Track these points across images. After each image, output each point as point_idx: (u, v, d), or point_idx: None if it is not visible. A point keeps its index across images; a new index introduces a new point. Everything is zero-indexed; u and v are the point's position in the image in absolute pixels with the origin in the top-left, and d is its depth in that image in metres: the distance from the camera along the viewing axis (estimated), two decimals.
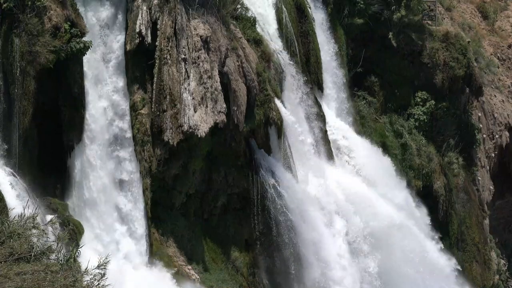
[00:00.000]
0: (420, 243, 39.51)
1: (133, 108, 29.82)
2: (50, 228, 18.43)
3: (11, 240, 14.41)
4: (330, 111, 39.42)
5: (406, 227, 38.67)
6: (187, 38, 30.21)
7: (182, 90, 29.77)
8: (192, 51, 30.23)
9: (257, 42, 34.20)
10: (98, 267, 13.96)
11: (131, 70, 29.84)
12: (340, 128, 39.47)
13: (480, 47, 50.48)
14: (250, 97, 31.75)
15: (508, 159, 51.12)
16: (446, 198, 43.19)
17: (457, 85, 44.34)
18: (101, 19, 29.32)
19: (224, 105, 30.50)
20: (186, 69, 30.03)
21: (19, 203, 23.12)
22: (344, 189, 36.81)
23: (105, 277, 14.00)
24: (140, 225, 29.53)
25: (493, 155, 49.16)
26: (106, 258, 14.07)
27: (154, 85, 29.71)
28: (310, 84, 37.73)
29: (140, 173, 29.65)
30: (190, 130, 29.51)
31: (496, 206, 50.81)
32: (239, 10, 33.88)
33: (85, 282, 14.00)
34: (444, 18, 48.67)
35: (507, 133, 50.25)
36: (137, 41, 29.41)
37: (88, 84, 28.18)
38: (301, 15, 38.45)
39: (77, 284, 13.77)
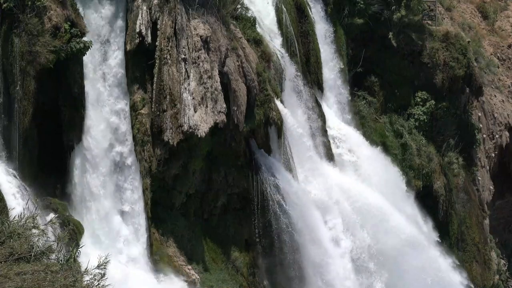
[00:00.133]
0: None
1: (133, 108, 29.82)
2: (50, 228, 18.42)
3: (11, 240, 14.40)
4: (330, 110, 39.45)
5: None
6: (187, 38, 30.21)
7: (182, 90, 29.77)
8: (192, 51, 30.23)
9: (257, 42, 34.21)
10: (98, 267, 13.96)
11: (131, 70, 29.84)
12: (340, 128, 39.48)
13: (480, 47, 50.48)
14: (250, 97, 31.76)
15: (508, 159, 51.12)
16: (446, 198, 43.19)
17: (457, 85, 44.34)
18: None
19: (224, 105, 30.51)
20: (186, 69, 30.03)
21: (19, 203, 23.13)
22: (343, 189, 36.80)
23: (105, 277, 14.00)
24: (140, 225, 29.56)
25: (493, 155, 49.16)
26: (106, 258, 14.06)
27: (154, 85, 29.71)
28: (310, 84, 37.73)
29: (140, 173, 29.65)
30: (190, 130, 29.52)
31: (496, 206, 50.81)
32: (239, 10, 33.89)
33: (85, 282, 14.00)
34: (444, 18, 48.67)
35: (507, 133, 50.25)
36: (137, 41, 29.41)
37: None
38: (301, 15, 38.45)
39: (77, 284, 13.76)
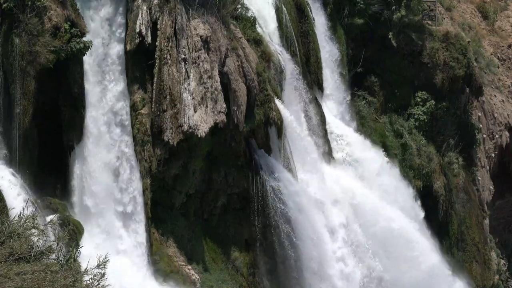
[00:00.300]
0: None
1: (133, 108, 29.82)
2: (50, 228, 18.43)
3: (11, 240, 14.41)
4: (330, 110, 39.45)
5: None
6: (187, 38, 30.21)
7: (182, 90, 29.77)
8: (192, 51, 30.24)
9: (257, 42, 34.21)
10: (98, 266, 13.96)
11: (131, 70, 29.84)
12: (340, 128, 39.47)
13: (480, 47, 50.49)
14: (250, 97, 31.76)
15: (508, 159, 51.12)
16: (446, 198, 43.18)
17: (457, 85, 44.34)
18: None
19: (224, 105, 30.51)
20: (186, 69, 30.03)
21: (19, 203, 23.12)
22: (343, 189, 36.81)
23: (105, 277, 14.00)
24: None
25: (493, 155, 49.17)
26: (106, 258, 14.06)
27: (154, 85, 29.71)
28: (310, 84, 37.74)
29: (140, 173, 29.65)
30: (190, 130, 29.52)
31: (496, 206, 50.81)
32: (239, 10, 33.89)
33: (85, 282, 14.00)
34: (444, 18, 48.68)
35: (507, 133, 50.26)
36: (137, 41, 29.41)
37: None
38: (301, 15, 38.46)
39: (77, 284, 13.77)
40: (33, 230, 14.84)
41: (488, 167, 48.36)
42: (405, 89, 43.67)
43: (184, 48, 30.04)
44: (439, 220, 42.57)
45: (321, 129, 37.13)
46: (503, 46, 53.77)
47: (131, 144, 29.70)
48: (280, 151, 33.83)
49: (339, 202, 36.03)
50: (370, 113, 42.32)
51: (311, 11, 39.20)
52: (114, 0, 29.44)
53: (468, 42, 45.70)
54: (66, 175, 27.73)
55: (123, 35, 29.50)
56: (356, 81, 42.55)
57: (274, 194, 32.66)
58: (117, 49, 29.34)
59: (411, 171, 41.93)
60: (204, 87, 30.18)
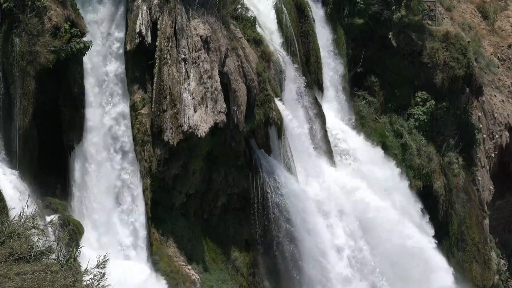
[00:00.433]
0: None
1: (133, 108, 29.82)
2: (50, 228, 18.43)
3: (11, 240, 14.41)
4: (330, 110, 39.44)
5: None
6: (187, 38, 30.21)
7: (182, 90, 29.77)
8: (192, 51, 30.24)
9: (257, 42, 34.21)
10: (98, 266, 13.96)
11: (131, 70, 29.84)
12: (340, 128, 39.47)
13: (480, 47, 50.48)
14: (250, 97, 31.76)
15: (508, 159, 51.11)
16: (446, 198, 43.18)
17: (457, 85, 44.33)
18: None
19: (224, 105, 30.51)
20: (186, 69, 30.04)
21: (19, 203, 23.11)
22: (343, 189, 36.80)
23: (105, 277, 14.00)
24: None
25: (493, 155, 49.16)
26: (105, 257, 14.06)
27: (154, 85, 29.71)
28: (310, 84, 37.74)
29: (140, 173, 29.65)
30: (190, 130, 29.52)
31: (496, 206, 50.80)
32: (239, 10, 33.89)
33: (85, 282, 14.00)
34: (444, 18, 48.67)
35: (507, 133, 50.25)
36: (137, 41, 29.41)
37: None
38: (301, 15, 38.45)
39: (77, 284, 13.76)
40: (33, 230, 14.83)
41: (488, 167, 48.35)
42: (405, 89, 43.67)
43: (184, 48, 30.04)
44: (439, 220, 42.56)
45: (321, 129, 37.12)
46: (503, 46, 53.76)
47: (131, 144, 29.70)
48: (280, 151, 33.83)
49: (339, 201, 35.98)
50: (370, 113, 42.31)
51: (311, 11, 39.20)
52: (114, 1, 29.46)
53: (468, 42, 45.70)
54: (66, 175, 27.72)
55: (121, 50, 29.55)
56: (356, 81, 42.54)
57: (274, 194, 32.66)
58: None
59: (411, 171, 41.93)
60: (204, 87, 30.18)
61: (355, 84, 42.51)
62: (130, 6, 29.67)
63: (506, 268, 49.79)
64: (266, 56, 34.36)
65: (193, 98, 29.83)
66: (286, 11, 36.97)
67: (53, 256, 14.71)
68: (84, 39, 27.00)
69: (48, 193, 26.78)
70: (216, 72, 30.61)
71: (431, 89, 43.60)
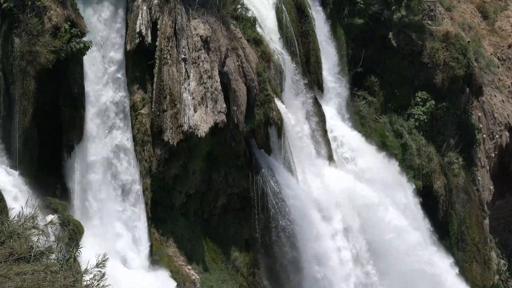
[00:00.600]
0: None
1: (133, 108, 29.82)
2: (50, 228, 18.43)
3: (11, 240, 14.40)
4: (330, 110, 39.43)
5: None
6: (187, 38, 30.22)
7: (182, 90, 29.78)
8: (192, 51, 30.24)
9: (257, 42, 34.21)
10: (97, 265, 13.96)
11: (131, 70, 29.84)
12: (340, 128, 39.47)
13: (480, 47, 50.47)
14: (250, 97, 31.76)
15: (508, 159, 51.10)
16: (446, 198, 43.17)
17: (457, 85, 44.32)
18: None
19: (224, 105, 30.51)
20: (186, 69, 30.04)
21: (19, 203, 23.11)
22: (343, 189, 36.79)
23: (105, 277, 14.00)
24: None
25: (493, 155, 49.15)
26: (104, 256, 14.06)
27: (154, 85, 29.71)
28: (310, 84, 37.73)
29: (140, 173, 29.65)
30: (190, 130, 29.52)
31: (496, 206, 50.80)
32: (239, 10, 33.89)
33: (85, 282, 14.00)
34: (444, 18, 48.66)
35: (507, 133, 50.24)
36: (137, 41, 29.41)
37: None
38: (301, 15, 38.45)
39: (77, 284, 13.77)
40: (33, 230, 14.83)
41: (488, 167, 48.34)
42: (405, 89, 43.66)
43: (184, 48, 30.04)
44: (439, 220, 42.56)
45: (321, 129, 37.12)
46: (503, 46, 53.75)
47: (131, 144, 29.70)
48: (280, 151, 33.83)
49: (339, 201, 35.97)
50: (370, 113, 42.32)
51: (311, 11, 39.19)
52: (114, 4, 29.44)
53: (468, 42, 45.69)
54: (66, 175, 27.71)
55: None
56: (356, 81, 42.54)
57: (274, 194, 32.66)
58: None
59: (411, 171, 41.93)
60: (204, 87, 30.18)
61: (355, 84, 42.50)
62: (130, 6, 29.66)
63: (506, 268, 49.78)
64: (266, 56, 34.36)
65: (193, 98, 29.83)
66: (286, 11, 36.96)
67: (53, 256, 14.71)
68: (84, 39, 26.98)
69: (48, 193, 26.77)
70: (216, 72, 30.61)
71: (431, 89, 43.60)
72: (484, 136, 47.95)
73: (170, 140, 29.53)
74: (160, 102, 29.66)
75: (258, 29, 35.07)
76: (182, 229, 31.26)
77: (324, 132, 37.38)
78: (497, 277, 47.23)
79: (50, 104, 26.98)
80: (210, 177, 32.15)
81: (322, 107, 37.91)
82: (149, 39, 29.53)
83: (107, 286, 14.07)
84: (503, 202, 51.69)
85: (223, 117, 30.40)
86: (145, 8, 29.64)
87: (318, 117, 37.09)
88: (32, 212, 15.32)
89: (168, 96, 29.62)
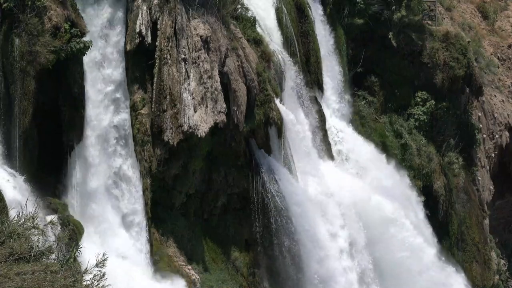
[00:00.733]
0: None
1: (133, 108, 29.82)
2: (50, 228, 18.44)
3: (11, 240, 14.41)
4: (330, 110, 39.44)
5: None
6: (187, 38, 30.22)
7: (182, 90, 29.77)
8: (192, 51, 30.24)
9: (257, 42, 34.21)
10: (97, 265, 13.96)
11: (131, 70, 29.83)
12: (340, 128, 39.46)
13: (480, 47, 50.48)
14: (250, 97, 31.76)
15: (508, 159, 51.11)
16: (446, 198, 43.18)
17: (457, 85, 44.34)
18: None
19: (224, 105, 30.51)
20: (186, 69, 30.04)
21: (19, 203, 23.10)
22: (343, 189, 36.79)
23: (105, 277, 14.00)
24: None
25: (493, 155, 49.16)
26: (104, 256, 14.06)
27: (154, 85, 29.71)
28: (310, 84, 37.74)
29: (140, 173, 29.64)
30: (190, 130, 29.52)
31: (496, 206, 50.80)
32: (239, 10, 33.89)
33: (85, 282, 14.00)
34: (444, 18, 48.67)
35: (507, 133, 50.25)
36: (137, 41, 29.41)
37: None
38: (301, 15, 38.45)
39: (77, 284, 13.77)
40: (33, 230, 14.83)
41: (488, 167, 48.35)
42: (405, 89, 43.67)
43: (184, 48, 30.04)
44: (439, 220, 42.57)
45: (320, 129, 37.12)
46: (503, 46, 53.76)
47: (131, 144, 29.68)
48: (280, 151, 33.82)
49: (339, 201, 35.97)
50: (370, 113, 42.32)
51: (311, 11, 39.20)
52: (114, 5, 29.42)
53: (468, 42, 45.70)
54: (66, 175, 27.70)
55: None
56: (356, 81, 42.55)
57: (274, 193, 32.65)
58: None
59: (411, 171, 41.94)
60: (204, 87, 30.18)
61: (355, 84, 42.51)
62: (130, 6, 29.66)
63: (506, 268, 49.79)
64: (266, 56, 34.36)
65: (193, 98, 29.83)
66: (286, 11, 36.97)
67: (53, 256, 14.71)
68: (84, 39, 26.98)
69: (48, 193, 26.77)
70: (216, 72, 30.61)
71: (431, 89, 43.61)
72: (484, 136, 47.96)
73: (170, 140, 29.53)
74: (160, 102, 29.66)
75: (258, 29, 35.07)
76: (182, 229, 31.26)
77: (324, 132, 37.38)
78: (497, 277, 47.23)
79: (50, 104, 26.98)
80: (210, 177, 32.14)
81: (322, 106, 37.95)
82: (149, 39, 29.53)
83: (107, 286, 14.07)
84: (503, 202, 51.70)
85: (223, 117, 30.40)
86: (145, 8, 29.64)
87: (318, 117, 37.09)
88: (32, 212, 15.32)
89: (168, 96, 29.62)
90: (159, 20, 29.83)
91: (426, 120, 43.40)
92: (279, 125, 33.21)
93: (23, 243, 14.31)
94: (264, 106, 32.46)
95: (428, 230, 40.28)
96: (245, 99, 31.38)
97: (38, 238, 14.89)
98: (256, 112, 32.14)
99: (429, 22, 45.72)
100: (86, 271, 13.85)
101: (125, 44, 29.45)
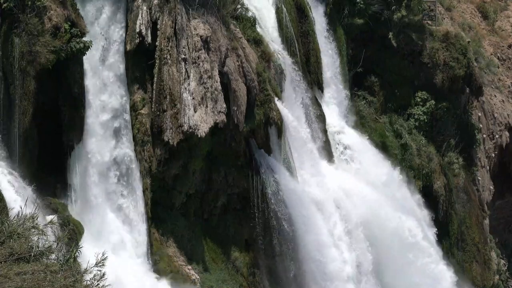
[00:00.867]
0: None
1: (133, 108, 29.82)
2: (50, 228, 18.43)
3: (11, 240, 14.41)
4: (330, 110, 39.43)
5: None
6: (187, 38, 30.22)
7: (182, 90, 29.78)
8: (192, 51, 30.24)
9: (257, 42, 34.21)
10: (97, 264, 13.95)
11: (131, 70, 29.84)
12: (340, 128, 39.46)
13: (480, 47, 50.46)
14: (250, 97, 31.76)
15: (508, 159, 51.10)
16: (446, 198, 43.17)
17: (457, 85, 44.32)
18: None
19: (224, 105, 30.51)
20: (186, 69, 30.04)
21: (19, 203, 23.12)
22: (343, 189, 36.79)
23: (105, 277, 14.00)
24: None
25: (493, 155, 49.15)
26: (103, 255, 14.05)
27: (154, 85, 29.72)
28: (310, 84, 37.73)
29: (140, 173, 29.64)
30: (190, 130, 29.53)
31: (496, 206, 50.79)
32: (239, 10, 33.89)
33: (85, 282, 14.00)
34: (444, 18, 48.66)
35: (507, 133, 50.23)
36: (137, 41, 29.41)
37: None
38: (301, 15, 38.45)
39: (77, 284, 13.76)
40: (33, 230, 14.83)
41: (488, 167, 48.34)
42: (405, 89, 43.66)
43: (184, 48, 30.05)
44: (439, 220, 42.55)
45: (320, 129, 37.11)
46: (503, 46, 53.75)
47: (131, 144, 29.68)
48: (280, 151, 33.82)
49: (339, 201, 35.96)
50: (370, 113, 42.32)
51: (311, 11, 39.20)
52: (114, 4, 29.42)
53: (468, 42, 45.69)
54: (66, 175, 27.71)
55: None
56: (356, 81, 42.54)
57: (274, 194, 32.65)
58: None
59: (411, 171, 41.93)
60: (204, 87, 30.19)
61: (355, 84, 42.50)
62: (130, 6, 29.67)
63: (506, 268, 49.77)
64: (266, 56, 34.36)
65: (193, 98, 29.83)
66: (286, 11, 36.96)
67: (53, 256, 14.70)
68: (84, 39, 26.99)
69: (48, 193, 26.77)
70: (216, 72, 30.61)
71: (431, 89, 43.60)
72: (484, 136, 47.95)
73: (170, 140, 29.53)
74: (160, 102, 29.67)
75: (258, 29, 35.07)
76: (182, 229, 31.26)
77: (324, 132, 37.38)
78: (497, 277, 47.22)
79: (50, 104, 26.99)
80: (210, 177, 32.15)
81: (322, 106, 37.94)
82: (149, 39, 29.54)
83: (107, 286, 14.07)
84: (503, 202, 51.68)
85: (223, 117, 30.40)
86: (145, 8, 29.65)
87: (318, 117, 37.08)
88: (32, 212, 15.32)
89: (168, 96, 29.62)
90: (159, 20, 29.83)
91: (426, 120, 43.39)
92: (279, 125, 33.21)
93: (23, 243, 14.31)
94: (264, 106, 32.47)
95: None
96: (245, 99, 31.38)
97: (38, 238, 14.89)
98: (256, 112, 32.14)
99: (429, 22, 45.71)
100: (86, 271, 13.85)
101: (125, 44, 29.45)
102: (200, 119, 29.81)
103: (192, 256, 31.31)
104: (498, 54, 52.99)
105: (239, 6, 33.77)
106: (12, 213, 20.84)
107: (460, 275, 41.83)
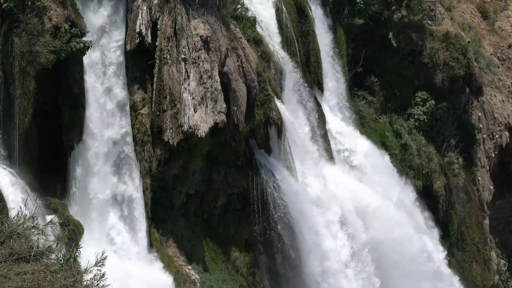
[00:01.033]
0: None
1: (133, 108, 29.82)
2: (50, 228, 18.43)
3: (11, 240, 14.41)
4: (330, 110, 39.43)
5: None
6: (187, 38, 30.21)
7: (182, 90, 29.78)
8: (192, 51, 30.24)
9: (257, 42, 34.21)
10: (96, 264, 13.96)
11: (131, 70, 29.84)
12: (340, 128, 39.46)
13: (480, 47, 50.47)
14: (250, 97, 31.76)
15: (508, 159, 51.11)
16: (446, 198, 43.17)
17: (457, 85, 44.33)
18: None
19: (224, 105, 30.51)
20: (186, 69, 30.04)
21: (19, 203, 23.11)
22: (343, 189, 36.79)
23: (105, 277, 14.00)
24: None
25: (493, 155, 49.16)
26: (103, 254, 14.05)
27: (154, 85, 29.71)
28: (310, 84, 37.73)
29: (140, 173, 29.65)
30: (190, 130, 29.53)
31: (496, 206, 50.80)
32: (239, 10, 33.89)
33: (85, 282, 14.00)
34: (444, 18, 48.67)
35: (507, 133, 50.25)
36: (137, 41, 29.41)
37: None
38: (301, 15, 38.45)
39: (77, 284, 13.77)
40: (33, 230, 14.83)
41: (488, 167, 48.35)
42: (405, 89, 43.67)
43: (184, 48, 30.04)
44: (439, 220, 42.56)
45: (320, 129, 37.11)
46: (503, 46, 53.76)
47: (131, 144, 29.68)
48: (280, 151, 33.82)
49: (339, 201, 35.96)
50: (370, 113, 42.33)
51: (311, 11, 39.21)
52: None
53: (468, 42, 45.71)
54: (66, 175, 27.72)
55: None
56: (356, 81, 42.55)
57: (274, 194, 32.65)
58: None
59: (411, 171, 41.94)
60: (204, 87, 30.18)
61: (355, 84, 42.51)
62: (130, 6, 29.67)
63: (506, 268, 49.79)
64: (266, 56, 34.35)
65: (193, 98, 29.83)
66: (286, 11, 36.96)
67: (53, 256, 14.70)
68: (84, 39, 26.98)
69: (48, 193, 26.77)
70: (216, 72, 30.61)
71: (431, 89, 43.61)
72: (484, 136, 47.96)
73: (170, 140, 29.53)
74: (160, 102, 29.67)
75: (258, 29, 35.06)
76: (182, 229, 31.26)
77: (324, 132, 37.38)
78: (497, 277, 47.24)
79: (50, 104, 26.99)
80: (210, 177, 32.15)
81: (322, 106, 37.94)
82: (149, 39, 29.53)
83: (107, 286, 14.07)
84: (503, 202, 51.70)
85: (223, 117, 30.40)
86: (145, 8, 29.64)
87: (318, 117, 37.07)
88: (32, 212, 15.32)
89: (168, 96, 29.62)
90: (159, 20, 29.83)
91: (426, 120, 43.40)
92: (279, 125, 33.21)
93: (23, 243, 14.31)
94: (264, 106, 32.47)
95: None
96: (245, 99, 31.38)
97: (38, 238, 14.89)
98: (256, 112, 32.14)
99: (429, 22, 45.72)
100: (86, 271, 13.85)
101: (125, 44, 29.45)
102: (200, 119, 29.81)
103: (192, 256, 31.31)
104: (498, 54, 53.00)
105: (239, 6, 33.77)
106: (12, 213, 20.84)
107: (460, 275, 41.85)
